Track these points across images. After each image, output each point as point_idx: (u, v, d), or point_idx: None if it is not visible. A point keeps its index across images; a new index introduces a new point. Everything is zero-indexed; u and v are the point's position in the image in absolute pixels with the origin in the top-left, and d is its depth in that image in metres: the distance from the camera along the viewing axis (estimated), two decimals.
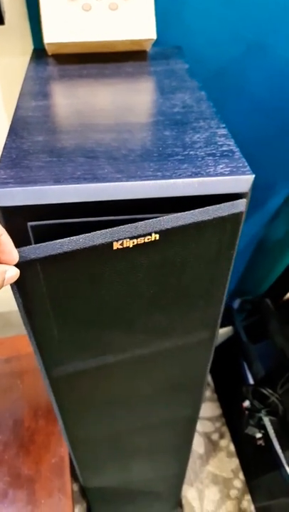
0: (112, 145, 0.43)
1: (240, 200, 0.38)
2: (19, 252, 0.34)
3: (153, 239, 0.37)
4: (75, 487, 1.19)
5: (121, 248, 0.37)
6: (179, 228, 0.38)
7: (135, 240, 0.37)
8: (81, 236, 0.35)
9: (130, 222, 0.39)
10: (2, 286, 0.32)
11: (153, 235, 0.37)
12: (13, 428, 0.90)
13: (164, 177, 0.39)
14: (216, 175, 0.39)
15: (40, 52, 0.64)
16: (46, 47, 0.60)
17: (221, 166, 0.40)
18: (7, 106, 0.72)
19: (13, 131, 0.45)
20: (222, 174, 0.39)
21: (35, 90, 0.53)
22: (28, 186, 0.37)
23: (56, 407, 0.60)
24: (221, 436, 1.39)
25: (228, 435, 1.39)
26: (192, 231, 0.39)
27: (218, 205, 0.38)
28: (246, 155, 0.42)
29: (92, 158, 0.41)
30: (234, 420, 1.35)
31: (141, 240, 0.37)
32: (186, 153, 0.42)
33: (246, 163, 0.41)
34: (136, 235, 0.36)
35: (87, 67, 0.59)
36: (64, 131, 0.46)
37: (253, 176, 0.39)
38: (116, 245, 0.36)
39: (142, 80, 0.57)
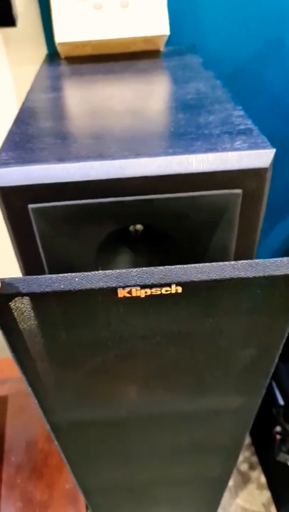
0: (121, 128, 0.41)
1: None
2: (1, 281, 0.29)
3: (173, 291, 0.29)
4: None
5: (129, 297, 0.29)
6: (212, 282, 0.29)
7: (148, 290, 0.29)
8: (77, 275, 0.28)
9: (139, 203, 0.36)
10: None
11: (173, 286, 0.29)
12: (26, 450, 0.85)
13: (175, 153, 0.35)
14: (233, 150, 0.36)
15: (53, 56, 0.64)
16: (58, 47, 0.60)
17: (238, 142, 0.37)
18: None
19: (19, 120, 0.43)
20: (239, 149, 0.36)
21: (44, 85, 0.52)
22: (29, 165, 0.35)
23: (62, 454, 0.53)
24: (251, 467, 1.29)
25: (258, 466, 1.29)
26: (230, 288, 0.30)
27: (270, 260, 0.29)
28: None
29: (99, 139, 0.39)
30: (265, 449, 1.25)
31: (156, 291, 0.29)
32: (200, 132, 0.39)
33: (266, 139, 0.37)
34: (149, 283, 0.28)
35: (98, 66, 0.58)
36: (72, 118, 0.44)
37: (274, 150, 0.36)
38: (122, 293, 0.29)
39: (155, 73, 0.55)
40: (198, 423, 0.50)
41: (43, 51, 0.67)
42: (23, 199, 0.35)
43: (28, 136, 0.40)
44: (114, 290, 0.29)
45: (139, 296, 0.29)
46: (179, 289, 0.29)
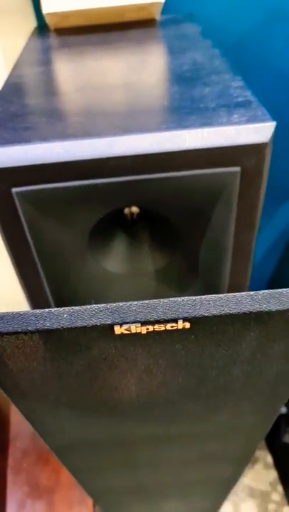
0: (111, 103, 0.38)
1: None
2: None
3: (180, 327, 0.25)
4: None
5: (127, 334, 0.25)
6: (226, 317, 0.25)
7: (150, 327, 0.25)
8: (66, 310, 0.24)
9: (130, 184, 0.34)
10: None
11: (180, 322, 0.25)
12: (31, 435, 0.85)
13: (167, 129, 0.33)
14: (230, 124, 0.33)
15: (42, 29, 0.60)
16: (46, 19, 0.56)
17: (235, 116, 0.34)
18: None
19: (1, 97, 0.41)
20: (237, 123, 0.33)
21: (31, 59, 0.49)
22: (10, 146, 0.32)
23: (65, 468, 0.50)
24: (258, 447, 1.29)
25: (264, 445, 1.29)
26: (249, 322, 0.26)
27: None
28: None
29: (87, 116, 0.36)
30: (271, 429, 1.25)
31: (160, 327, 0.25)
32: (195, 106, 0.36)
33: (266, 112, 0.34)
34: (151, 319, 0.24)
35: (89, 37, 0.55)
36: (58, 94, 0.41)
37: (274, 123, 0.33)
38: (119, 330, 0.25)
39: (149, 42, 0.52)
40: (208, 440, 0.47)
41: (31, 24, 0.63)
42: (6, 182, 0.33)
43: (11, 115, 0.37)
44: (109, 327, 0.25)
45: (139, 333, 0.25)
46: (187, 325, 0.25)
